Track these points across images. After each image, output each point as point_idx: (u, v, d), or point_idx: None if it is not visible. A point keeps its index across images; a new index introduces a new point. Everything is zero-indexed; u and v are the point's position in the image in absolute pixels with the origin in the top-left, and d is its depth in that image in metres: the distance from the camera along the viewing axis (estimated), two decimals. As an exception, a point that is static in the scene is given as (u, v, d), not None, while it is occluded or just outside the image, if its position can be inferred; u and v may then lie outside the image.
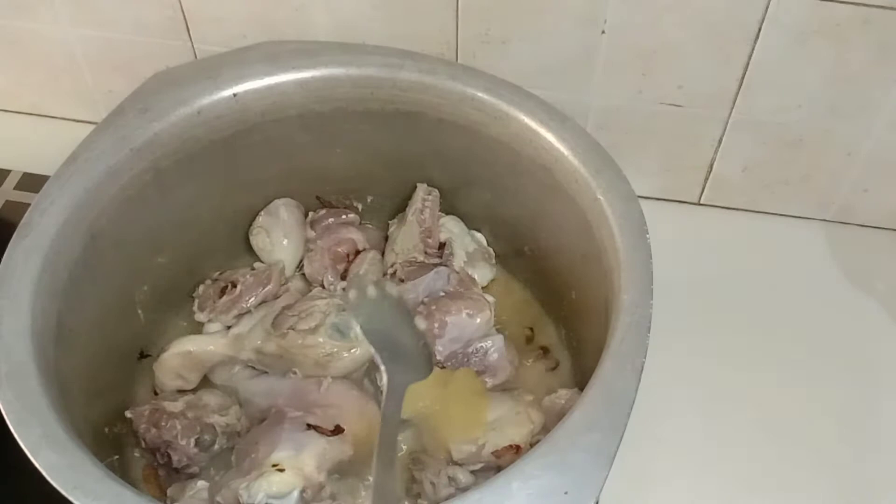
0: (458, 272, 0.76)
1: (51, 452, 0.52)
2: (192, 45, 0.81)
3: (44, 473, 0.52)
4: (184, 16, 0.79)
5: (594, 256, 0.65)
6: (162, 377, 0.72)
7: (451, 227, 0.79)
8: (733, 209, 0.87)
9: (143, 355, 0.75)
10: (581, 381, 0.68)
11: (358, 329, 0.71)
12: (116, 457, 0.68)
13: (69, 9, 0.81)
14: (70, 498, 0.51)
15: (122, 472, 0.68)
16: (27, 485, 0.53)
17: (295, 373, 0.71)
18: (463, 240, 0.79)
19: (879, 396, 0.75)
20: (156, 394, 0.73)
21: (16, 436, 0.53)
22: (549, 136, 0.68)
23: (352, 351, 0.71)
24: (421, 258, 0.77)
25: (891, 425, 0.73)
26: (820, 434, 0.73)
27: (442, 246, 0.78)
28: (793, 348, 0.78)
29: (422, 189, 0.79)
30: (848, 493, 0.70)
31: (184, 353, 0.72)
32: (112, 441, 0.68)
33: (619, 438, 0.53)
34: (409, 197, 0.80)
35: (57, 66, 0.87)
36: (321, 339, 0.70)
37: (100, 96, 0.88)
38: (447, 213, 0.80)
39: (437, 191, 0.79)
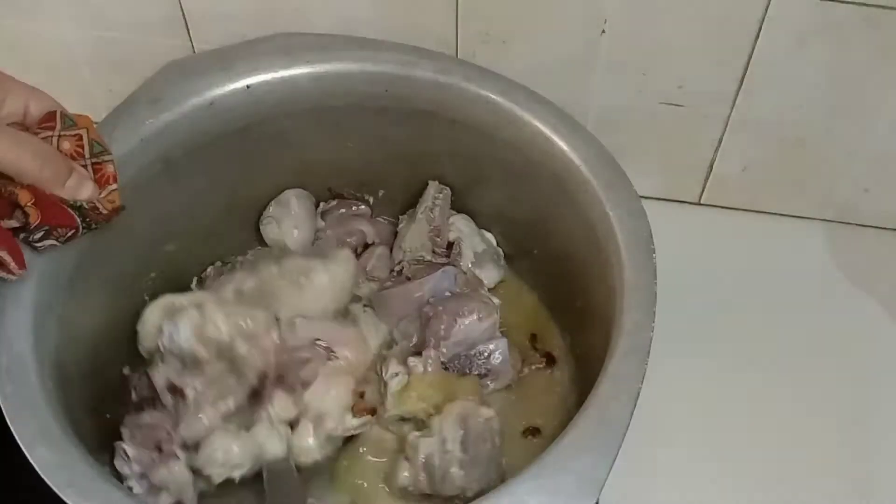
0: (465, 273, 0.75)
1: (46, 449, 0.52)
2: (192, 45, 0.81)
3: (38, 470, 0.52)
4: (183, 15, 0.79)
5: (599, 270, 0.65)
6: (145, 338, 0.69)
7: (460, 226, 0.79)
8: (733, 209, 0.87)
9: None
10: (582, 389, 0.68)
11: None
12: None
13: (69, 9, 0.81)
14: (62, 497, 0.51)
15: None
16: (28, 482, 0.53)
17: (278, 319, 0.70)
18: (472, 240, 0.79)
19: (879, 396, 0.75)
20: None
21: (13, 431, 0.53)
22: (562, 144, 0.68)
23: (328, 266, 0.71)
24: (429, 257, 0.77)
25: (891, 425, 0.73)
26: (820, 434, 0.73)
27: (450, 245, 0.78)
28: (793, 348, 0.77)
29: (433, 187, 0.78)
30: (848, 493, 0.70)
31: (165, 304, 0.69)
32: (113, 433, 0.68)
33: (610, 464, 0.53)
34: (421, 193, 0.79)
35: (57, 65, 0.86)
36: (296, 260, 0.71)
37: (100, 96, 0.88)
38: (458, 212, 0.80)
39: (448, 189, 0.79)
